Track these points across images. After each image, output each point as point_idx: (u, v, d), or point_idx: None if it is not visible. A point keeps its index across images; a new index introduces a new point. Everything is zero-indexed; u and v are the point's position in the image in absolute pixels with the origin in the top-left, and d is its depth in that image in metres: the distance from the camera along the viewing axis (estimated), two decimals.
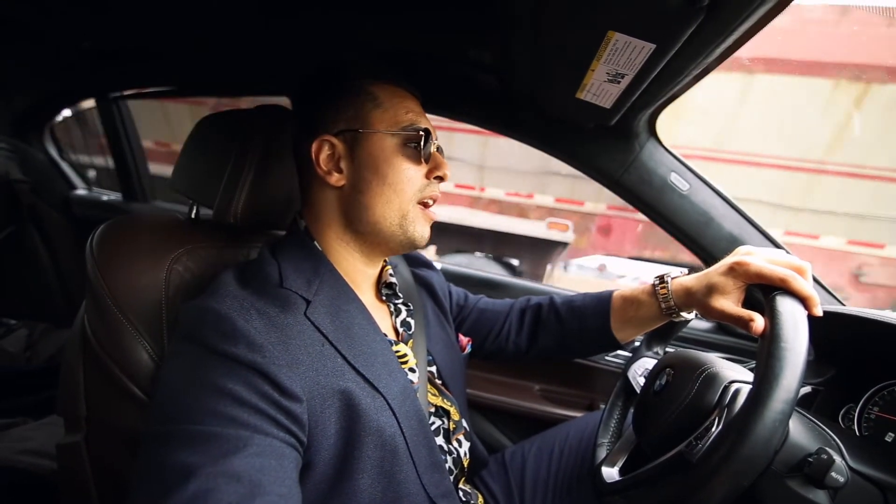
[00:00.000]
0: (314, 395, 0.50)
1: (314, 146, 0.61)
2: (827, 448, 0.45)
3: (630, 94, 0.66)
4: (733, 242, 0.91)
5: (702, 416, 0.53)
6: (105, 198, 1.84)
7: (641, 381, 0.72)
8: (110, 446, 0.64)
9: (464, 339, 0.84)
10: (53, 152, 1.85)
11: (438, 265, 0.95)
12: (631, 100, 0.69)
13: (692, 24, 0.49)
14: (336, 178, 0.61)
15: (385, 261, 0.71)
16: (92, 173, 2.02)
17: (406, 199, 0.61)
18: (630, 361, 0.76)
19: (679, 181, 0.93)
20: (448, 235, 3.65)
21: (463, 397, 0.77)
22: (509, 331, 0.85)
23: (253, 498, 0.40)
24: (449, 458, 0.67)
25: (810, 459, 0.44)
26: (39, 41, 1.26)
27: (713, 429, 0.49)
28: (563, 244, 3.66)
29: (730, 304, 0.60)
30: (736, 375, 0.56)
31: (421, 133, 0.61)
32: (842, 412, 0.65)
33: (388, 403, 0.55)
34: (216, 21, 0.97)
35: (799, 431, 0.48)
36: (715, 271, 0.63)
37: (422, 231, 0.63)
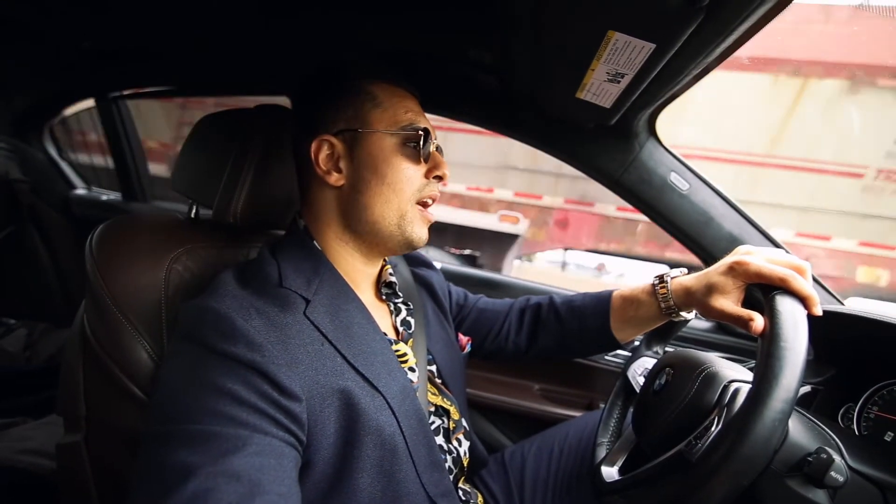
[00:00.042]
0: (313, 394, 0.50)
1: (313, 146, 0.61)
2: (826, 447, 0.45)
3: (630, 93, 0.67)
4: (733, 242, 0.91)
5: (701, 415, 0.53)
6: (104, 197, 1.84)
7: (641, 380, 0.72)
8: (110, 446, 0.64)
9: (463, 339, 0.84)
10: (53, 152, 1.85)
11: (438, 265, 0.95)
12: (631, 99, 0.69)
13: (692, 24, 0.49)
14: (335, 178, 0.61)
15: (385, 260, 0.71)
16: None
17: (405, 198, 0.61)
18: (630, 361, 0.76)
19: (679, 181, 0.93)
20: None
21: (463, 397, 0.77)
22: (509, 330, 0.85)
23: (252, 497, 0.40)
24: (448, 458, 0.67)
25: (810, 459, 0.44)
26: (39, 41, 1.26)
27: (713, 428, 0.49)
28: (515, 236, 3.79)
29: (729, 303, 0.60)
30: (735, 375, 0.56)
31: (420, 133, 0.61)
32: (841, 411, 0.65)
33: (388, 402, 0.55)
34: (216, 21, 0.98)
35: (798, 431, 0.48)
36: (715, 271, 0.63)
37: (420, 232, 0.63)
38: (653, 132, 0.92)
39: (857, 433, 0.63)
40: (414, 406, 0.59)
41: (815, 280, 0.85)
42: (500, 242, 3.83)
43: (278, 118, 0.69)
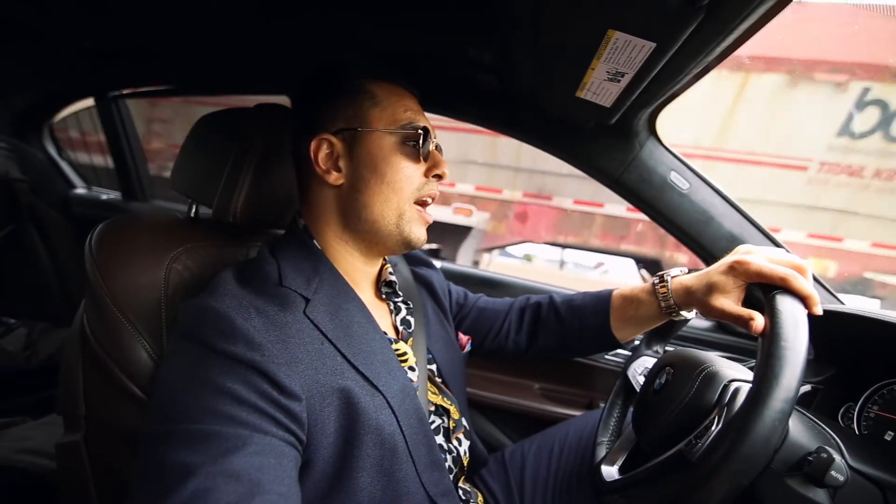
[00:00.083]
0: (313, 393, 0.50)
1: (313, 145, 0.61)
2: (826, 447, 0.45)
3: (630, 92, 0.66)
4: (733, 241, 0.91)
5: (701, 414, 0.53)
6: (104, 197, 1.84)
7: (641, 379, 0.72)
8: (109, 445, 0.64)
9: (463, 338, 0.84)
10: (52, 151, 1.85)
11: (438, 264, 0.95)
12: (631, 98, 0.69)
13: (692, 23, 0.49)
14: (335, 177, 0.61)
15: (385, 259, 0.71)
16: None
17: (404, 197, 0.61)
18: (630, 360, 0.76)
19: (679, 180, 0.93)
20: None
21: (463, 396, 0.77)
22: (509, 329, 0.85)
23: (252, 497, 0.40)
24: (448, 457, 0.67)
25: (810, 458, 0.44)
26: (39, 41, 1.26)
27: (713, 428, 0.49)
28: (468, 228, 3.90)
29: (730, 302, 0.60)
30: (736, 374, 0.56)
31: (419, 131, 0.61)
32: (841, 411, 0.65)
33: (388, 402, 0.55)
34: (216, 21, 0.97)
35: (798, 430, 0.48)
36: (715, 270, 0.63)
37: (418, 232, 0.63)
38: (653, 131, 0.92)
39: (857, 432, 0.63)
40: (414, 405, 0.59)
41: (815, 279, 0.85)
42: (456, 235, 3.94)
43: (278, 117, 0.69)
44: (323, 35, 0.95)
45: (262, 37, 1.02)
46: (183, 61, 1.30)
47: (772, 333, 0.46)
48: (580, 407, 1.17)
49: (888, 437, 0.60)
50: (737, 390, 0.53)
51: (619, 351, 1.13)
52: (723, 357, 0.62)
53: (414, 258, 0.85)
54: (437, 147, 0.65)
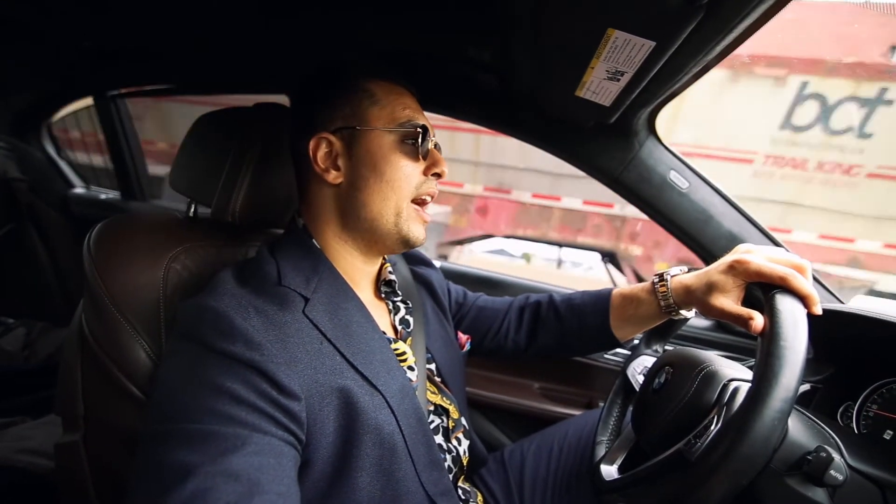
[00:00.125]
0: (312, 393, 0.50)
1: (312, 144, 0.61)
2: (826, 446, 0.45)
3: (630, 91, 0.66)
4: (733, 240, 0.91)
5: (701, 414, 0.53)
6: (103, 196, 1.84)
7: (640, 379, 0.72)
8: (108, 445, 0.64)
9: (463, 337, 0.84)
10: (51, 151, 1.85)
11: (437, 263, 0.95)
12: (630, 97, 0.69)
13: (692, 22, 0.49)
14: (333, 176, 0.61)
15: (384, 258, 0.71)
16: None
17: (403, 196, 0.61)
18: (629, 359, 0.76)
19: (678, 179, 0.93)
20: None
21: (462, 395, 0.77)
22: (508, 328, 0.85)
23: (251, 496, 0.40)
24: (448, 457, 0.67)
25: (809, 457, 0.44)
26: (39, 41, 1.26)
27: (712, 427, 0.49)
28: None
29: (729, 302, 0.60)
30: (735, 374, 0.56)
31: (418, 129, 0.61)
32: (840, 410, 0.65)
33: (387, 401, 0.55)
34: (216, 21, 0.97)
35: (798, 429, 0.48)
36: (715, 269, 0.63)
37: (416, 231, 0.63)
38: (652, 130, 0.92)
39: (856, 431, 0.63)
40: (413, 405, 0.59)
41: (815, 279, 0.85)
42: None
43: (277, 117, 0.69)
44: (323, 35, 0.94)
45: (262, 37, 1.02)
46: (183, 61, 1.29)
47: (771, 333, 0.46)
48: (579, 406, 1.17)
49: (887, 436, 0.60)
50: (736, 390, 0.53)
51: (619, 350, 1.13)
52: (722, 356, 0.62)
53: (413, 257, 0.85)
54: (436, 146, 0.65)
